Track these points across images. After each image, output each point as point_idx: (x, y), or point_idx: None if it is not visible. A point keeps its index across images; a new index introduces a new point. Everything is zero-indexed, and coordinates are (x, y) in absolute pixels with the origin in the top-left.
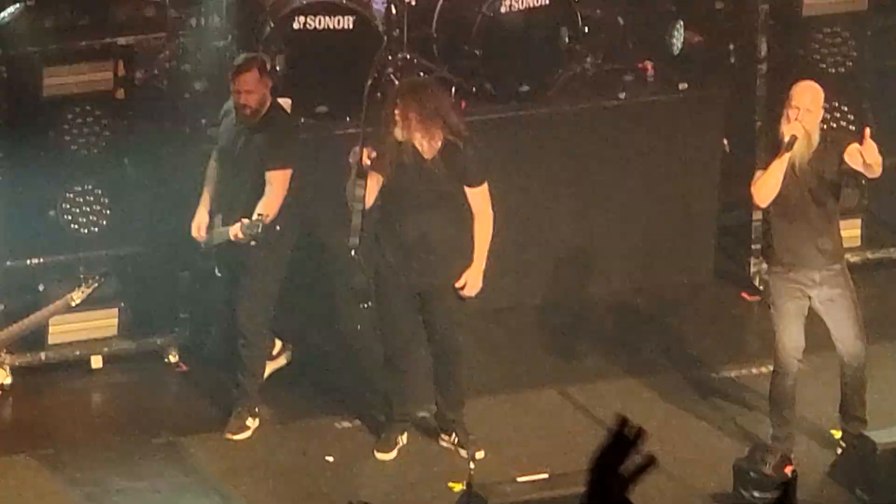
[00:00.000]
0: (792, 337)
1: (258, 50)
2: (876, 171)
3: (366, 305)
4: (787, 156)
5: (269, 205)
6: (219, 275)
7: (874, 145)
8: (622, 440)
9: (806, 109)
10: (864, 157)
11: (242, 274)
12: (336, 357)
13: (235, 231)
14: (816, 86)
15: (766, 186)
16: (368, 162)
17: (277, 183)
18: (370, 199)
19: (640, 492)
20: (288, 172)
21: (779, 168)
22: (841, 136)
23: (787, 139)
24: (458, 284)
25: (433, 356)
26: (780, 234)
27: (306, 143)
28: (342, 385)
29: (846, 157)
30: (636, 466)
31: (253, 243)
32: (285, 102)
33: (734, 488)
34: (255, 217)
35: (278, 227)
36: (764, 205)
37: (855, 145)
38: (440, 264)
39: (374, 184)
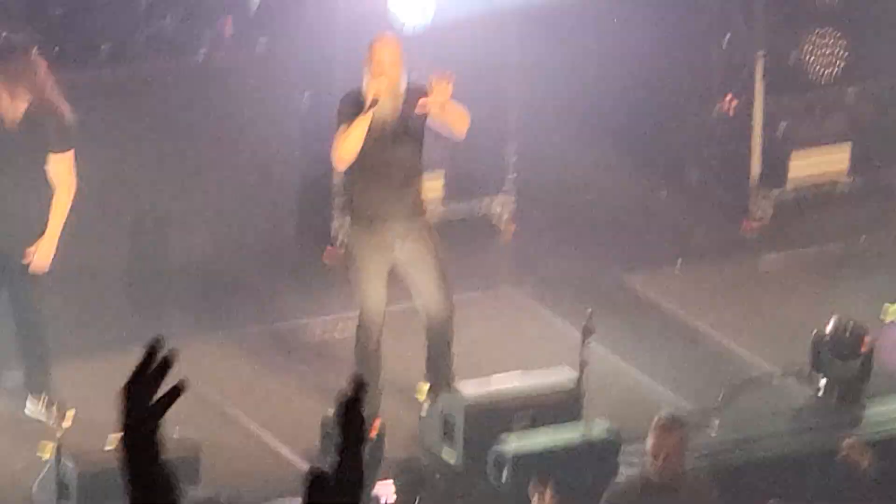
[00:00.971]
0: (375, 292)
1: None
2: (457, 127)
3: None
4: (368, 115)
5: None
6: None
7: (447, 94)
8: (151, 366)
9: (390, 63)
10: (440, 107)
11: None
12: None
13: None
14: (395, 37)
15: (347, 147)
16: None
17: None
18: None
19: (223, 448)
20: None
21: (362, 127)
22: (423, 90)
23: (370, 97)
24: (27, 256)
25: (15, 322)
26: (362, 190)
27: None
28: None
29: (427, 110)
30: (166, 393)
31: None
32: None
33: (321, 444)
34: None
35: None
36: (343, 166)
37: (431, 98)
38: (18, 233)
39: None
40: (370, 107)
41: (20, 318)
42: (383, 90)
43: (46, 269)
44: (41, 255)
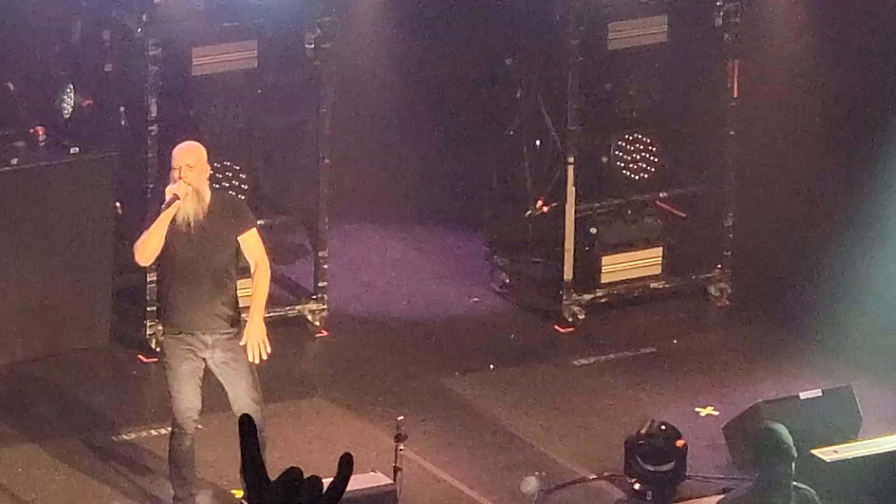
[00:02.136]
0: (187, 398)
1: None
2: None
3: None
4: (167, 214)
5: None
6: None
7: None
8: None
9: (187, 166)
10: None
11: None
12: None
13: None
14: (197, 144)
15: (147, 245)
16: None
17: None
18: None
19: None
20: None
21: (160, 226)
22: (242, 211)
23: (167, 198)
24: None
25: None
26: (174, 296)
27: None
28: None
29: (241, 242)
30: None
31: None
32: None
33: None
34: None
35: None
36: (145, 263)
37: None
38: None
39: None
40: (166, 206)
41: None
42: (181, 193)
43: None
44: None
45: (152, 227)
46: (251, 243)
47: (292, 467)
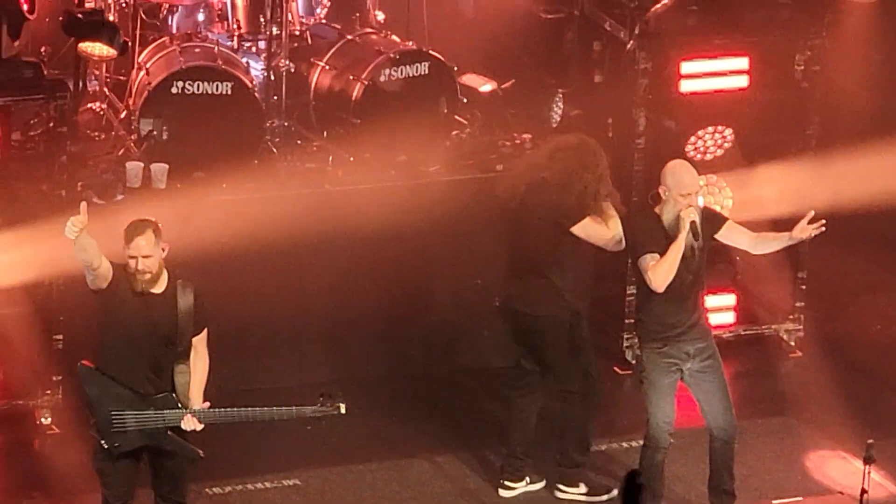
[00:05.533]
0: (665, 412)
1: (134, 113)
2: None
3: None
4: (682, 240)
5: (206, 371)
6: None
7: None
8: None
9: (696, 193)
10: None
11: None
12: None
13: (194, 423)
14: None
15: (667, 272)
16: None
17: (205, 346)
18: None
19: None
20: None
21: (678, 253)
22: (711, 213)
23: (686, 225)
24: None
25: None
26: (658, 310)
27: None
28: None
29: (723, 236)
30: None
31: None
32: (162, 168)
33: None
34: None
35: None
36: (662, 290)
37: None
38: None
39: None
40: (692, 235)
41: None
42: (697, 218)
43: None
44: None
45: (673, 255)
46: (734, 229)
47: None
